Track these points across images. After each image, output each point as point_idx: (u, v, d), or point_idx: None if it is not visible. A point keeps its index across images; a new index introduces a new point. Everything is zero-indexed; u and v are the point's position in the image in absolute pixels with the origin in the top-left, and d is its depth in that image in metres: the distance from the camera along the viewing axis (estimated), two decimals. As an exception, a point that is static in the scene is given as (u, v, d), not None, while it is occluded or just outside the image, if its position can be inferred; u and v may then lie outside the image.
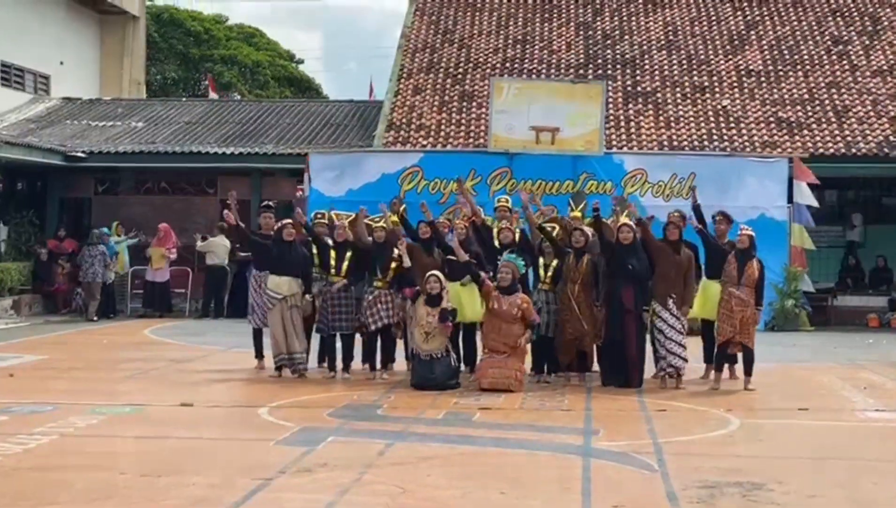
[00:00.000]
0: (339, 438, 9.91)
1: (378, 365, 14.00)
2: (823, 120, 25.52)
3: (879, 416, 11.61)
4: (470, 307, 13.71)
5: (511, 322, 12.95)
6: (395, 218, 14.77)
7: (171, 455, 9.30)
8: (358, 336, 14.13)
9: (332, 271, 13.91)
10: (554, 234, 13.93)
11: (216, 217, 25.65)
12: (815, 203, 22.12)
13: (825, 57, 27.91)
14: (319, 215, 15.41)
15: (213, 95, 36.27)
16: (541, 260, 13.86)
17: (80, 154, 25.66)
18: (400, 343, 14.30)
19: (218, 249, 24.23)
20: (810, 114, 25.77)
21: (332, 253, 13.97)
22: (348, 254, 13.95)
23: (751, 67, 27.76)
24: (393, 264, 13.72)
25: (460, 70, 28.31)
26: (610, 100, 25.59)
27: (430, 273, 13.24)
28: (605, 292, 13.37)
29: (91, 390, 12.84)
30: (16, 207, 25.83)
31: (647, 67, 28.11)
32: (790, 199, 22.09)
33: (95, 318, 22.86)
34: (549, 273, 13.70)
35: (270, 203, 16.05)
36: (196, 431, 10.42)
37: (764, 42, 28.72)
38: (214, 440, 10.04)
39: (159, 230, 24.17)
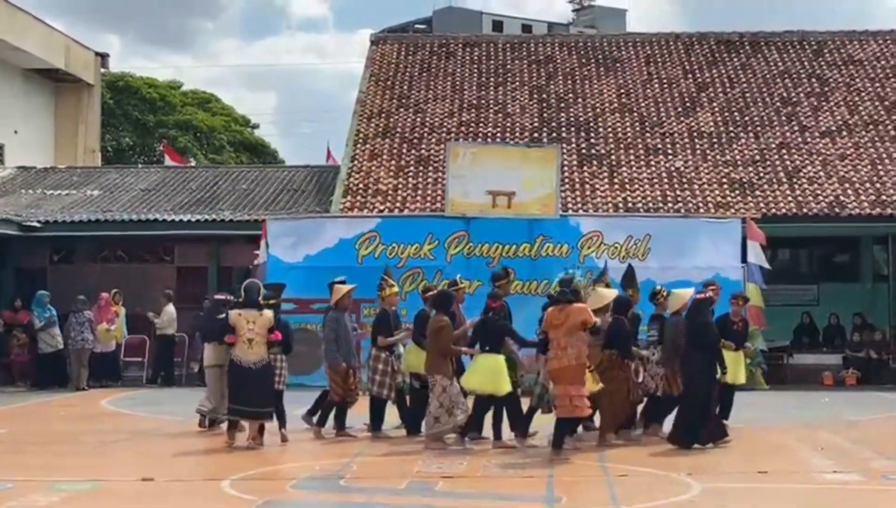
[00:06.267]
0: (302, 511, 9.89)
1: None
2: (775, 180, 25.90)
3: (835, 478, 11.72)
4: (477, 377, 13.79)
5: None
6: (395, 289, 15.31)
7: (134, 532, 9.24)
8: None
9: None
10: None
11: (173, 285, 25.68)
12: (766, 264, 22.34)
13: (775, 118, 28.37)
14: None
15: (170, 162, 36.13)
16: None
17: (35, 224, 25.53)
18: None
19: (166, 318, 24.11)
20: (762, 175, 26.16)
21: None
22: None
23: (703, 129, 28.16)
24: None
25: (416, 135, 28.52)
26: (565, 163, 25.83)
27: None
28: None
29: (50, 465, 12.72)
30: (-29, 277, 25.65)
31: (600, 129, 28.44)
32: (744, 259, 22.31)
33: (86, 387, 22.72)
34: None
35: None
36: (159, 507, 10.35)
37: (715, 104, 29.17)
38: (177, 516, 9.99)
39: (100, 299, 23.83)
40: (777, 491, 11.18)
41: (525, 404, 14.16)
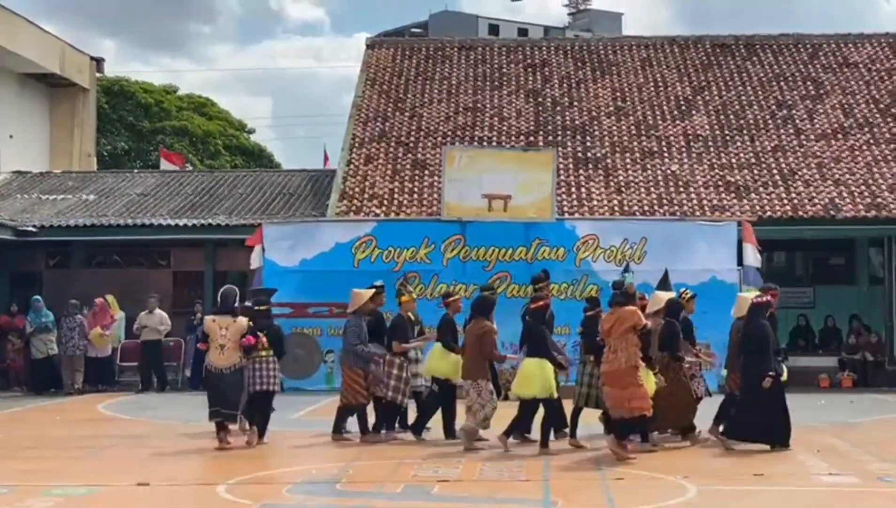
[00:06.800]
0: (298, 515, 9.87)
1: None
2: (770, 183, 25.91)
3: (833, 480, 11.73)
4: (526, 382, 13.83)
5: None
6: (413, 295, 15.39)
7: (130, 536, 9.22)
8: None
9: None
10: None
11: (169, 289, 25.64)
12: (758, 264, 22.33)
13: (770, 121, 28.38)
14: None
15: (171, 166, 35.95)
16: None
17: (30, 228, 25.48)
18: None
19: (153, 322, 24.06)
20: (757, 177, 26.16)
21: None
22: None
23: (698, 132, 28.16)
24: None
25: (412, 139, 28.50)
26: (560, 166, 25.85)
27: None
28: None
29: (46, 470, 12.70)
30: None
31: (596, 132, 28.43)
32: (740, 261, 22.33)
33: (80, 391, 22.68)
34: None
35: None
36: (154, 511, 10.34)
37: (710, 107, 29.16)
38: (173, 521, 9.97)
39: (95, 305, 23.73)
40: (774, 494, 11.17)
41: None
